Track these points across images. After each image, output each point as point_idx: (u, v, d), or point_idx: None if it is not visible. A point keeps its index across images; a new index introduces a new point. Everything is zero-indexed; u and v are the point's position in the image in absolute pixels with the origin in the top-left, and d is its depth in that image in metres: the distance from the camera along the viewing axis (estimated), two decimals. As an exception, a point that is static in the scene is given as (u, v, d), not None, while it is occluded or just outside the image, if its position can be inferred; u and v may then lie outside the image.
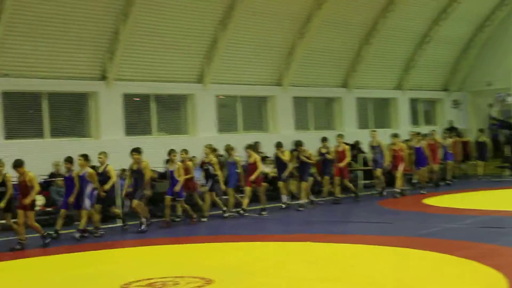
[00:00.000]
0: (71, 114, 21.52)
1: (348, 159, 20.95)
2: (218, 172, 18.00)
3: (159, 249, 13.83)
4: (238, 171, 18.90)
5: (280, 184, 19.70)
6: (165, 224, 16.87)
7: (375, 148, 21.70)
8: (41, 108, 20.35)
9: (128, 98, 22.02)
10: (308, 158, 19.77)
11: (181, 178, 16.92)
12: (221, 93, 24.30)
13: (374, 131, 22.36)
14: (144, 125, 22.75)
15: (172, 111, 23.98)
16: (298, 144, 19.89)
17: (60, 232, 15.58)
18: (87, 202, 15.41)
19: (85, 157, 15.70)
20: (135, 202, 16.32)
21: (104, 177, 16.06)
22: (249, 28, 23.60)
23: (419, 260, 10.73)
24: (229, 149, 19.01)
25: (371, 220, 16.52)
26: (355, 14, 26.28)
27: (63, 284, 10.51)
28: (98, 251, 13.93)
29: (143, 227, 16.06)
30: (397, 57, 29.10)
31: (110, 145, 19.46)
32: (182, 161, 17.63)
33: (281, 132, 25.18)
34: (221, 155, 21.73)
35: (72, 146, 18.96)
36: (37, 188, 14.46)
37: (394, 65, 29.32)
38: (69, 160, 15.65)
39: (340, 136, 21.30)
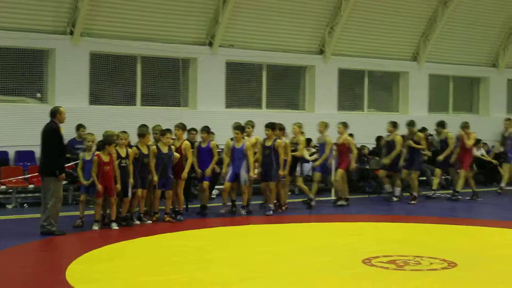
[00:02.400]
0: (288, 86, 21.94)
1: None
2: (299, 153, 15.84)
3: (388, 226, 13.86)
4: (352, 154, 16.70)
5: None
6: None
7: (507, 139, 19.35)
8: (260, 79, 21.01)
9: (342, 73, 22.15)
10: (417, 143, 17.43)
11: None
12: (434, 72, 23.81)
13: (509, 119, 19.62)
14: (356, 101, 22.87)
15: (384, 89, 23.91)
16: (409, 124, 17.60)
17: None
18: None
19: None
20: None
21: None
22: (470, 6, 22.99)
23: None
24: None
25: None
26: None
27: (309, 252, 10.85)
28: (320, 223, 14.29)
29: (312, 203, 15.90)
30: None
31: (323, 119, 19.60)
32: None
33: (491, 115, 24.48)
34: (430, 135, 21.51)
35: (286, 118, 19.25)
36: (216, 157, 14.62)
37: None
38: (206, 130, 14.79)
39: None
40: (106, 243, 11.40)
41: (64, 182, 13.43)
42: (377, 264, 9.64)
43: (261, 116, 19.68)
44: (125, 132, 13.37)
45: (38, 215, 13.29)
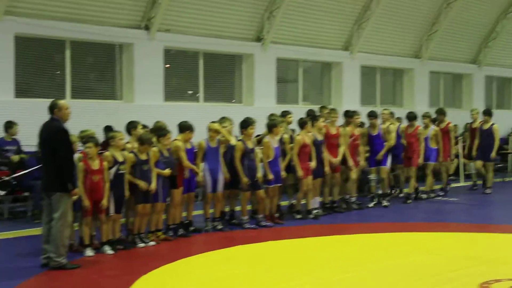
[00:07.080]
0: (223, 76, 19.72)
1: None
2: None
3: (420, 237, 12.02)
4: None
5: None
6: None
7: None
8: (197, 69, 18.76)
9: (280, 63, 20.29)
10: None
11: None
12: (365, 63, 22.51)
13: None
14: (292, 93, 21.16)
15: (317, 79, 22.38)
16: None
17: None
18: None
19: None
20: None
21: None
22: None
23: None
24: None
25: None
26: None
27: (402, 278, 8.92)
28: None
29: None
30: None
31: (262, 112, 17.57)
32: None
33: (415, 108, 23.57)
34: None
35: (225, 112, 17.11)
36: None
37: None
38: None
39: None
40: (126, 274, 8.86)
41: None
42: (504, 292, 7.94)
43: (198, 110, 17.67)
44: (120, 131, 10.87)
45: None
